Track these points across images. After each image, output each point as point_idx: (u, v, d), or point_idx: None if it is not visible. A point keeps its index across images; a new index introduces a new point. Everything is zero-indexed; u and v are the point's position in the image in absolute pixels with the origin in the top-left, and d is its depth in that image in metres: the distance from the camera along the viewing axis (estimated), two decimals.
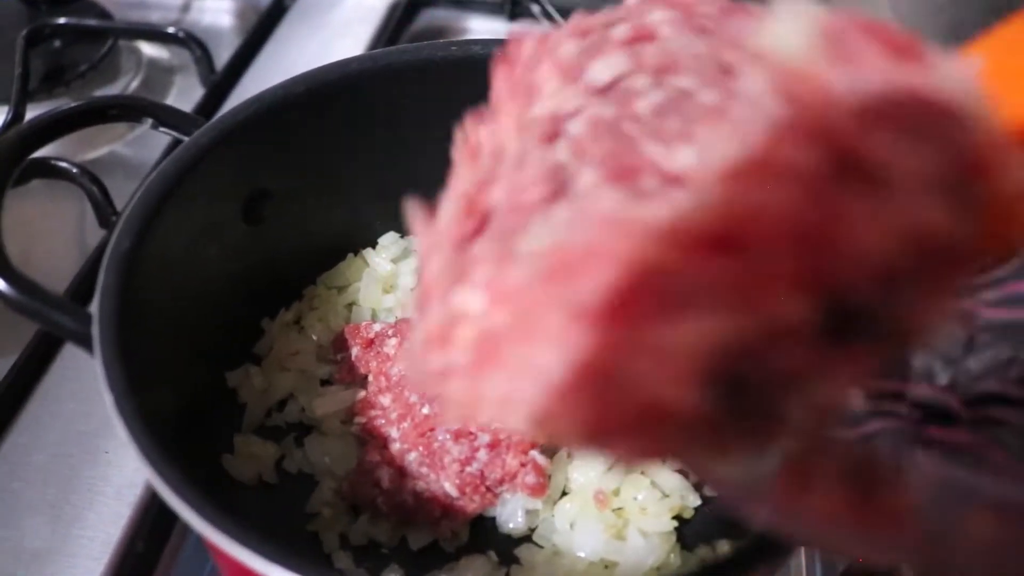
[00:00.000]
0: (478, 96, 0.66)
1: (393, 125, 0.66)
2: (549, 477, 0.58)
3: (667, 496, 0.59)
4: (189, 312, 0.57)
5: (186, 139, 0.56)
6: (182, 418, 0.55)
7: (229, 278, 0.61)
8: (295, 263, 0.69)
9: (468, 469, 0.56)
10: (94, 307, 0.47)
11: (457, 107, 0.67)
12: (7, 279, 0.46)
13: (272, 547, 0.37)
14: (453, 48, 0.63)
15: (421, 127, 0.67)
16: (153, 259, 0.51)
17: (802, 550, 0.67)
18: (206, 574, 0.65)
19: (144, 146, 1.00)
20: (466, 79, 0.65)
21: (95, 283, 0.79)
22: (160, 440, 0.42)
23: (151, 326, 0.50)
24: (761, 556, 0.41)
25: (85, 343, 0.46)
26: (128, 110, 0.57)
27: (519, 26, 1.13)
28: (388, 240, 0.73)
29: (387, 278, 0.70)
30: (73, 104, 0.55)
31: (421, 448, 0.58)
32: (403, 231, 0.74)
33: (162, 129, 0.58)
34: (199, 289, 0.58)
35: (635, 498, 0.59)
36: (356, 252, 0.72)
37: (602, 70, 0.33)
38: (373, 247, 0.73)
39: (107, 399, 0.42)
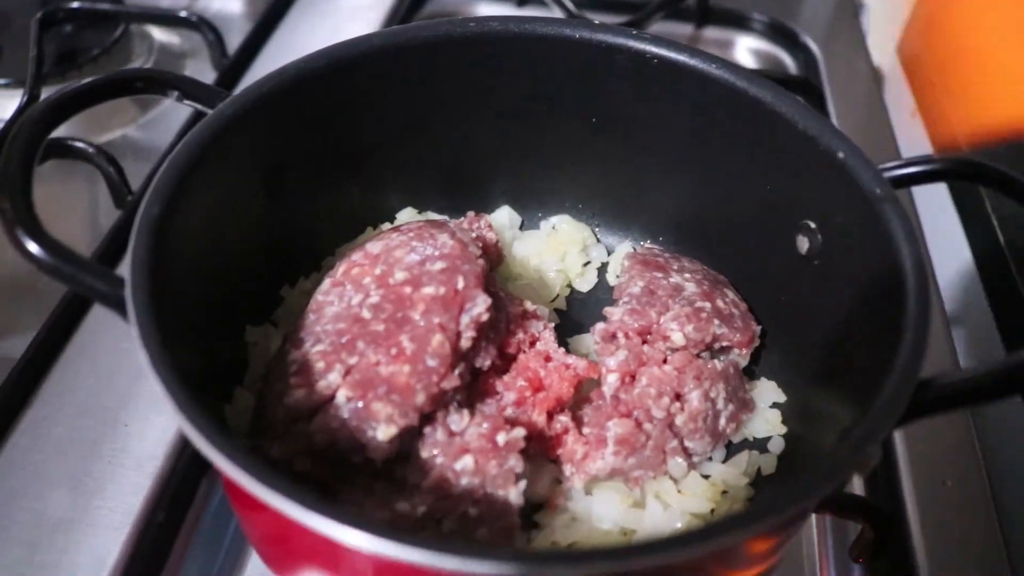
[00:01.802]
0: (495, 73, 0.68)
1: (411, 101, 0.67)
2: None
3: (713, 484, 0.60)
4: (212, 278, 0.57)
5: (210, 112, 0.57)
6: (204, 379, 0.56)
7: (250, 247, 0.62)
8: (315, 234, 0.70)
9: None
10: (125, 271, 0.48)
11: (474, 83, 0.68)
12: (41, 244, 0.47)
13: (309, 496, 0.38)
14: (471, 24, 0.64)
15: (439, 103, 0.69)
16: (179, 227, 0.52)
17: (813, 519, 0.68)
18: (226, 543, 0.66)
19: (156, 129, 1.01)
20: (484, 55, 0.66)
21: (113, 260, 0.80)
22: (193, 394, 0.42)
23: (177, 291, 0.51)
24: (774, 515, 0.41)
25: (116, 306, 0.47)
26: (154, 83, 0.57)
27: (528, 11, 1.14)
28: (406, 215, 0.73)
29: None
30: (100, 76, 0.55)
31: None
32: (421, 207, 0.75)
33: (186, 101, 0.58)
34: (221, 257, 0.59)
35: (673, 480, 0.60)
36: (375, 226, 0.73)
37: None
38: (391, 222, 0.74)
39: (142, 357, 0.43)
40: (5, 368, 0.71)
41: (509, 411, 0.58)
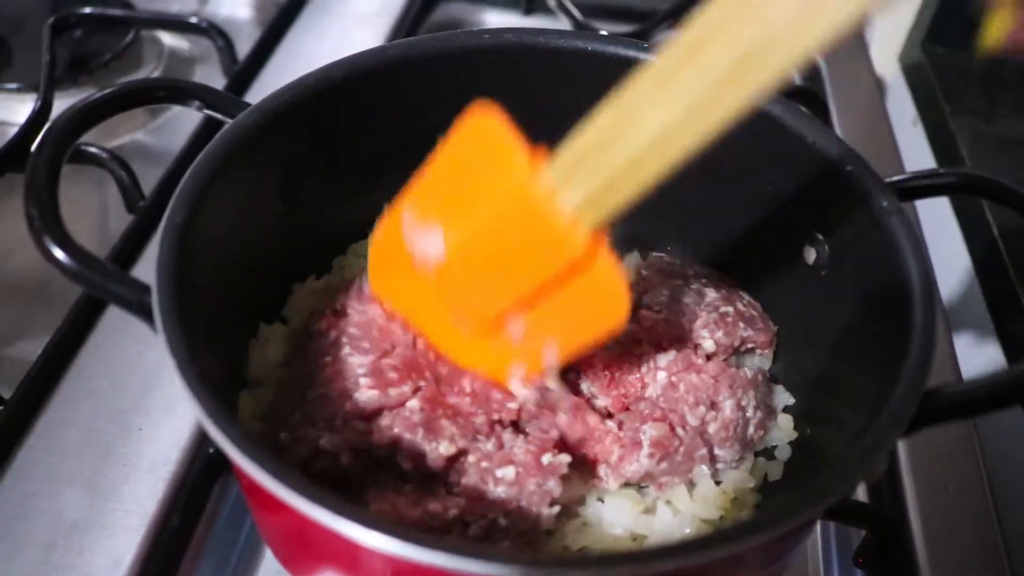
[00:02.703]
0: (509, 83, 0.69)
1: (427, 109, 0.68)
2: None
3: (724, 492, 0.61)
4: (229, 282, 0.58)
5: (229, 121, 0.58)
6: (219, 382, 0.56)
7: (266, 251, 0.63)
8: (327, 236, 0.71)
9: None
10: (145, 277, 0.49)
11: (489, 93, 0.69)
12: (67, 251, 0.47)
13: (334, 499, 0.39)
14: (486, 36, 0.65)
15: (455, 111, 0.69)
16: (202, 234, 0.53)
17: (818, 525, 0.69)
18: (239, 546, 0.67)
19: (166, 134, 1.02)
20: (498, 66, 0.67)
21: (126, 264, 0.81)
22: (220, 401, 0.43)
23: (199, 297, 0.52)
24: (785, 522, 0.42)
25: (140, 312, 0.48)
26: (176, 92, 0.58)
27: (536, 21, 1.16)
28: None
29: None
30: (123, 84, 0.56)
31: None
32: None
33: (207, 111, 0.59)
34: (239, 261, 0.60)
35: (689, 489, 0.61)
36: None
37: None
38: None
39: (171, 363, 0.44)
40: (20, 371, 0.72)
41: (586, 387, 0.62)
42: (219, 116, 0.60)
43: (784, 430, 0.64)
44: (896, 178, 0.60)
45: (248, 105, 0.59)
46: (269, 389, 0.63)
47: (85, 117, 0.53)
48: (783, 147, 0.62)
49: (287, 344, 0.65)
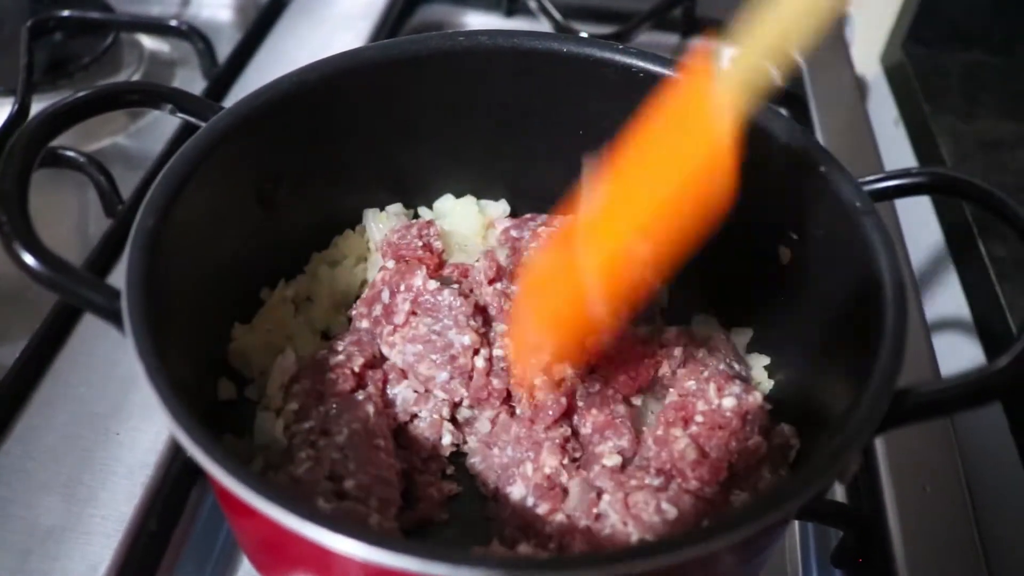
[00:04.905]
0: (485, 85, 0.69)
1: (403, 112, 0.68)
2: None
3: None
4: (201, 286, 0.59)
5: (203, 124, 0.58)
6: (193, 383, 0.57)
7: (238, 255, 0.63)
8: (298, 239, 0.71)
9: None
10: (120, 281, 0.49)
11: (465, 95, 0.69)
12: (38, 257, 0.47)
13: (302, 503, 0.39)
14: (461, 39, 0.65)
15: (431, 114, 0.70)
16: (173, 239, 0.53)
17: (796, 525, 0.69)
18: (216, 551, 0.67)
19: (146, 137, 1.02)
20: (474, 69, 0.67)
21: (104, 269, 0.81)
22: (189, 407, 0.43)
23: (169, 301, 0.52)
24: (753, 523, 0.42)
25: (111, 317, 0.48)
26: (149, 96, 0.58)
27: (517, 23, 1.16)
28: (396, 209, 0.76)
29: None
30: (95, 88, 0.56)
31: None
32: (412, 205, 0.77)
33: (180, 115, 0.59)
34: (211, 265, 0.60)
35: None
36: (354, 228, 0.75)
37: None
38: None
39: (139, 369, 0.44)
40: None
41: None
42: (193, 120, 0.59)
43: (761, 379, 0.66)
44: (869, 178, 0.60)
45: (222, 109, 0.59)
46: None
47: (55, 122, 0.53)
48: (758, 147, 0.61)
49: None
